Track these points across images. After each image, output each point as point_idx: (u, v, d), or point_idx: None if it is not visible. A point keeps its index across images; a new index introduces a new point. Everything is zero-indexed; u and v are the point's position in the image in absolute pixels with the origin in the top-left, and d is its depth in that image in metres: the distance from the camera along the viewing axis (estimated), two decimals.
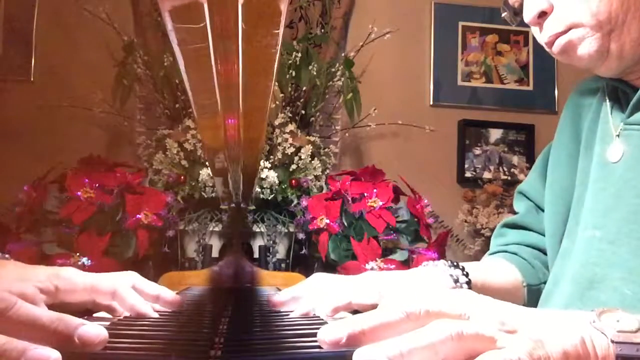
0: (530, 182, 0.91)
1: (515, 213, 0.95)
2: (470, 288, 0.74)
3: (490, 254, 0.94)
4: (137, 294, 0.62)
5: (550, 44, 0.71)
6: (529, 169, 2.31)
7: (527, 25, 0.75)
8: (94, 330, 0.39)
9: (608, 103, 0.75)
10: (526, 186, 0.92)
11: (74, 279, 0.58)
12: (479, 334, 0.38)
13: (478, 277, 0.77)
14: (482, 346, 0.38)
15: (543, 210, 0.87)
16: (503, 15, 0.79)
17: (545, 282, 0.84)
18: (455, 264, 0.77)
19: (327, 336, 0.39)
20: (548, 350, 0.38)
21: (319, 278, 0.74)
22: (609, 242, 0.67)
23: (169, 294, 0.65)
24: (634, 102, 0.70)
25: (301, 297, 0.69)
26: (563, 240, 0.77)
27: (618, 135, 0.71)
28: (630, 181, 0.67)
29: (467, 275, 0.76)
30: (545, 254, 0.87)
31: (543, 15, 0.70)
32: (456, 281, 0.74)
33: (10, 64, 2.07)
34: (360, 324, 0.39)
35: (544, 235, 0.86)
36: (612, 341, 0.40)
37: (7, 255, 0.67)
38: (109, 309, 0.60)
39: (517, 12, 0.76)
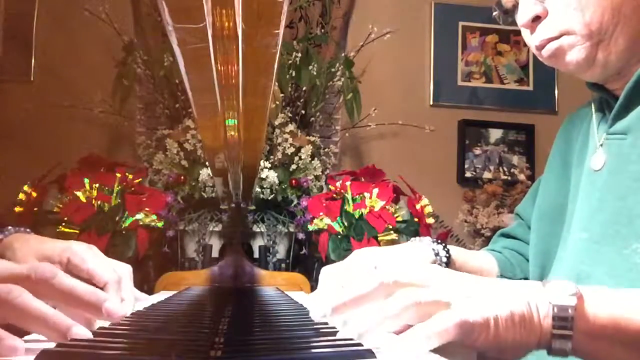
0: (524, 204, 0.99)
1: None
2: (448, 263, 0.83)
3: None
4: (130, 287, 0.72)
5: (541, 47, 0.75)
6: (529, 169, 2.32)
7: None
8: (115, 306, 0.49)
9: (595, 116, 0.80)
10: (520, 208, 1.00)
11: (83, 254, 0.69)
12: (436, 301, 0.47)
13: (458, 256, 0.86)
14: (440, 310, 0.46)
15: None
16: (494, 14, 0.82)
17: (520, 279, 0.91)
18: (439, 241, 0.86)
19: (316, 316, 0.52)
20: (497, 311, 0.46)
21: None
22: (594, 242, 0.71)
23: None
24: (614, 113, 0.73)
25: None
26: (558, 250, 0.81)
27: (601, 145, 0.75)
28: (612, 186, 0.71)
29: (447, 251, 0.84)
30: (527, 259, 0.93)
31: (537, 19, 0.74)
32: (437, 254, 0.83)
33: (10, 64, 2.07)
34: (342, 298, 0.50)
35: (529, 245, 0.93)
36: (551, 303, 0.48)
37: (28, 230, 0.78)
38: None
39: (508, 11, 0.79)
